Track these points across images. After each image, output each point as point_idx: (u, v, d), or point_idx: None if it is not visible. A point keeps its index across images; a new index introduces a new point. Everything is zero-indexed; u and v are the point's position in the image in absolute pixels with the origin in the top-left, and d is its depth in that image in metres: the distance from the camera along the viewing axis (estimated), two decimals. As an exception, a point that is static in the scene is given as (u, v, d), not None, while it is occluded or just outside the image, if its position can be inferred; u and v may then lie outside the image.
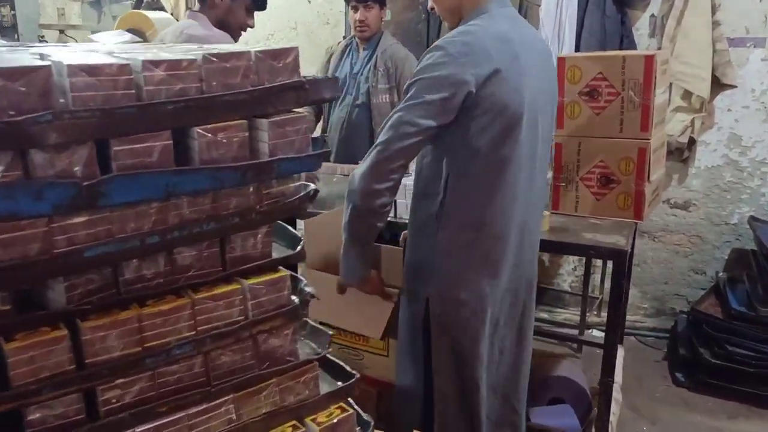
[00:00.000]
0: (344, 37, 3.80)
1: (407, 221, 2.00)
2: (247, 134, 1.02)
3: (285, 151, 1.05)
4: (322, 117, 3.63)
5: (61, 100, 0.87)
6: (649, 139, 2.51)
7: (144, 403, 1.01)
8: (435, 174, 1.79)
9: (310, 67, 3.78)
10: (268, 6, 2.75)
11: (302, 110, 1.08)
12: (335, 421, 1.20)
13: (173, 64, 0.93)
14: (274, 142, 1.04)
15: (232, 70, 0.99)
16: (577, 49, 3.56)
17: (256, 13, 2.73)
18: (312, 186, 1.16)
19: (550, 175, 2.51)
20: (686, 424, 3.09)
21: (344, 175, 3.28)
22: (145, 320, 1.00)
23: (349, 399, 1.27)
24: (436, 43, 1.70)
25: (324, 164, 3.52)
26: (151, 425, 1.02)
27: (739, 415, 3.14)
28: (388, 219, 1.94)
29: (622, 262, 2.32)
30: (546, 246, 2.59)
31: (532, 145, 1.78)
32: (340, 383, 1.26)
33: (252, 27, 2.66)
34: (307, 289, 1.19)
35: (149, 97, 0.91)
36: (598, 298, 3.78)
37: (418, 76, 1.69)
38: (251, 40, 3.83)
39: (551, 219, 2.54)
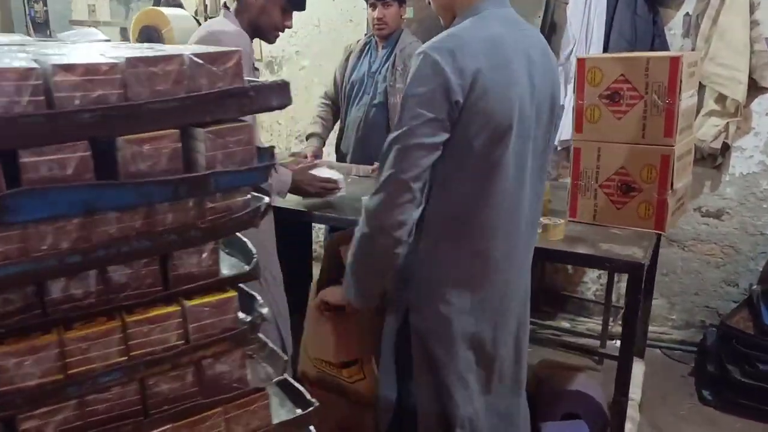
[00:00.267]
0: (365, 35, 3.71)
1: None
2: (179, 145, 0.93)
3: (225, 163, 0.96)
4: (340, 117, 3.55)
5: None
6: (673, 146, 2.36)
7: (69, 433, 0.94)
8: None
9: (331, 67, 3.71)
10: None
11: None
12: (289, 452, 1.11)
13: (90, 69, 0.84)
14: (211, 153, 0.94)
15: (161, 75, 0.89)
16: (606, 50, 3.38)
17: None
18: (265, 200, 1.07)
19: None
20: (711, 445, 2.93)
21: (359, 176, 3.20)
22: (68, 345, 0.92)
23: (310, 428, 1.19)
24: (423, 47, 1.57)
25: (339, 164, 3.43)
26: (77, 457, 0.94)
27: (769, 438, 2.95)
28: None
29: (638, 275, 2.18)
30: (559, 257, 2.47)
31: (521, 159, 1.66)
32: (299, 411, 1.17)
33: (290, 27, 2.49)
34: (262, 310, 1.11)
35: (60, 104, 0.83)
36: (622, 308, 3.62)
37: (411, 92, 1.57)
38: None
39: (567, 227, 2.41)
